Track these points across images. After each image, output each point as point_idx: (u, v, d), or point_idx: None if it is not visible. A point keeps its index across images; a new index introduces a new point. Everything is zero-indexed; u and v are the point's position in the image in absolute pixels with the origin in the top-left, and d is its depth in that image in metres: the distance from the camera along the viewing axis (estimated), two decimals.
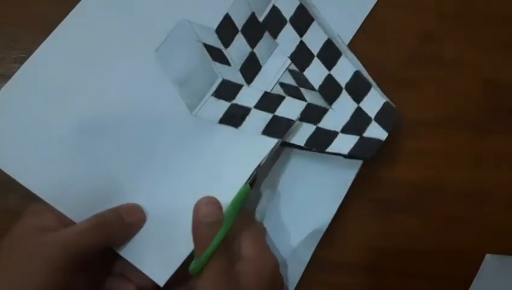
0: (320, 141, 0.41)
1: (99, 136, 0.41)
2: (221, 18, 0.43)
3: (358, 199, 0.44)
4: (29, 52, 0.43)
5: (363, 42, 0.44)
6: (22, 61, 0.43)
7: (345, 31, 0.44)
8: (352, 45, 0.44)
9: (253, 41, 0.43)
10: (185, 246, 0.38)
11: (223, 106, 0.42)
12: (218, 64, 0.42)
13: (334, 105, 0.42)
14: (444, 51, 0.44)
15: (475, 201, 0.44)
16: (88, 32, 0.42)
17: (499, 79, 0.45)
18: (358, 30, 0.44)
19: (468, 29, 0.45)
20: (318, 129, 0.41)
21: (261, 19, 0.42)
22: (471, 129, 0.44)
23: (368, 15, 0.44)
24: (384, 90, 0.44)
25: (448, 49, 0.45)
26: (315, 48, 0.42)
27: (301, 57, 0.42)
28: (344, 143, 0.41)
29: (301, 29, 0.42)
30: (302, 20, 0.42)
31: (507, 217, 0.44)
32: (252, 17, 0.43)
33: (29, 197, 0.43)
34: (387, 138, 0.40)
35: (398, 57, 0.44)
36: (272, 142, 0.41)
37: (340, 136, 0.41)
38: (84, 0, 0.43)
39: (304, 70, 0.42)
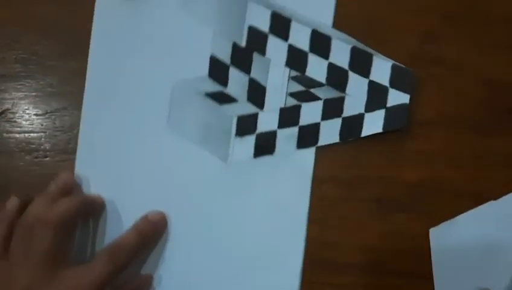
0: (352, 130, 0.42)
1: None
2: (208, 61, 0.43)
3: (358, 199, 0.44)
4: (30, 52, 0.43)
5: (363, 42, 0.44)
6: (22, 61, 0.43)
7: (324, 17, 0.43)
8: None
9: (246, 68, 0.42)
10: None
11: (250, 140, 0.42)
12: (226, 106, 0.42)
13: (348, 90, 0.42)
14: (444, 51, 0.44)
15: (475, 201, 0.44)
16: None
17: (499, 79, 0.45)
18: (358, 30, 0.44)
19: (468, 29, 0.44)
20: (344, 120, 0.42)
21: (243, 43, 0.42)
22: (471, 129, 0.44)
23: (368, 15, 0.44)
24: None
25: (448, 49, 0.44)
26: (305, 45, 0.42)
27: (296, 59, 0.42)
28: (374, 121, 0.42)
29: (284, 34, 0.42)
30: (281, 25, 0.42)
31: None
32: (235, 47, 0.42)
33: (29, 197, 0.43)
34: (412, 100, 0.41)
35: (398, 57, 0.44)
36: (310, 151, 0.42)
37: (367, 116, 0.42)
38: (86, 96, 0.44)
39: (304, 71, 0.42)
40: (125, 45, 0.43)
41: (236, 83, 0.42)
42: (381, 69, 0.41)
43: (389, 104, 0.41)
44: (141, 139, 0.43)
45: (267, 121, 0.42)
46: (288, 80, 0.42)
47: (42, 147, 0.44)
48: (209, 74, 0.43)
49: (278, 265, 0.43)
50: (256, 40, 0.42)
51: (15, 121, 0.43)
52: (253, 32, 0.41)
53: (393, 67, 0.41)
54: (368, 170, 0.44)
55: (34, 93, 0.43)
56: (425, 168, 0.44)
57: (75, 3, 0.43)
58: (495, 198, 0.44)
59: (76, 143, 0.44)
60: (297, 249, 0.43)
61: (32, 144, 0.44)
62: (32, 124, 0.44)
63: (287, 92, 0.42)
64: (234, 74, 0.42)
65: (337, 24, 0.44)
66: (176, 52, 0.43)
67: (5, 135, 0.43)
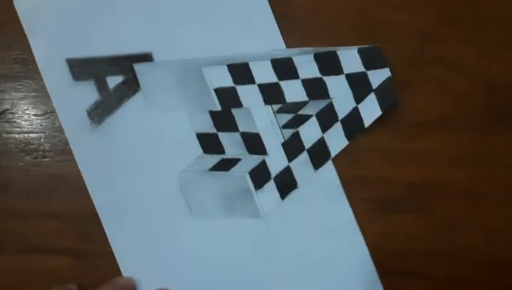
0: (355, 126, 0.42)
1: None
2: (195, 138, 0.43)
3: (359, 199, 0.44)
4: (30, 53, 0.43)
5: (362, 42, 0.44)
6: (22, 61, 0.43)
7: (275, 43, 0.43)
8: (351, 45, 0.44)
9: (233, 127, 0.42)
10: None
11: (271, 187, 0.42)
12: (234, 169, 0.42)
13: (331, 94, 0.42)
14: (444, 51, 0.44)
15: (475, 201, 0.44)
16: None
17: (499, 79, 0.45)
18: (358, 31, 0.44)
19: (468, 29, 0.44)
20: (343, 121, 0.42)
21: (218, 107, 0.41)
22: (471, 129, 0.44)
23: (368, 15, 0.44)
24: None
25: (448, 49, 0.44)
26: (272, 77, 0.41)
27: (271, 94, 0.41)
28: (370, 108, 0.42)
29: (248, 79, 0.41)
30: (241, 73, 0.41)
31: (507, 217, 0.44)
32: (213, 114, 0.42)
33: (29, 197, 0.43)
34: (391, 70, 0.42)
35: (398, 57, 0.44)
36: (329, 167, 0.43)
37: (361, 107, 0.42)
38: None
39: (284, 99, 0.42)
40: (114, 165, 0.43)
41: (232, 144, 0.42)
42: (350, 59, 0.41)
43: (374, 86, 0.42)
44: (169, 233, 0.43)
45: (276, 161, 0.42)
46: (275, 115, 0.42)
47: (42, 147, 0.44)
48: (204, 150, 0.43)
49: None
50: (228, 98, 0.41)
51: (14, 122, 0.43)
52: (221, 93, 0.41)
53: (360, 51, 0.41)
54: (368, 170, 0.44)
55: (33, 94, 0.43)
56: (425, 168, 0.44)
57: None
58: (495, 198, 0.44)
59: None
60: None
61: (32, 144, 0.44)
62: (32, 125, 0.43)
63: (279, 127, 0.42)
64: (225, 137, 0.42)
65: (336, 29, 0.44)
66: (166, 147, 0.43)
67: (4, 135, 0.43)
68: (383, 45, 0.44)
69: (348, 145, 0.43)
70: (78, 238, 0.43)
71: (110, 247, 0.43)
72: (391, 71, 0.42)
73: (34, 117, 0.44)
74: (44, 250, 0.43)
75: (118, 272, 0.43)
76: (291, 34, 0.43)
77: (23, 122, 0.44)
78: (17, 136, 0.43)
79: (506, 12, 0.45)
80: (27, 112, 0.43)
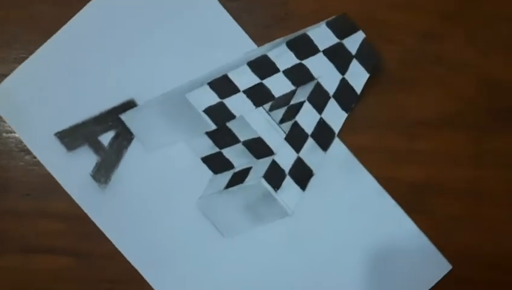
0: (348, 97, 0.42)
1: None
2: (201, 163, 0.43)
3: None
4: (30, 52, 0.43)
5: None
6: (22, 61, 0.43)
7: (246, 46, 0.43)
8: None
9: (233, 139, 0.42)
10: None
11: (289, 183, 0.41)
12: (248, 178, 0.41)
13: (315, 74, 0.42)
14: (444, 51, 0.44)
15: (475, 201, 0.44)
16: None
17: (499, 79, 0.45)
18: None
19: (468, 29, 0.45)
20: (335, 96, 0.42)
21: (213, 126, 0.41)
22: (471, 129, 0.44)
23: (368, 15, 0.44)
24: (384, 90, 0.44)
25: (448, 49, 0.45)
26: (253, 79, 0.41)
27: (258, 95, 0.41)
28: (356, 74, 0.42)
29: (232, 90, 0.41)
30: (223, 86, 0.41)
31: (507, 217, 0.44)
32: (210, 134, 0.42)
33: (29, 197, 0.43)
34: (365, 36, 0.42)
35: (398, 57, 0.44)
36: (337, 144, 0.43)
37: (348, 75, 0.42)
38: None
39: (272, 96, 0.42)
40: (134, 215, 0.43)
41: (238, 156, 0.42)
42: (322, 35, 0.41)
43: (353, 52, 0.42)
44: (208, 262, 0.43)
45: (285, 157, 0.41)
46: (269, 114, 0.42)
47: None
48: (213, 171, 0.43)
49: None
50: (219, 114, 0.41)
51: None
52: (210, 112, 0.41)
53: (328, 24, 0.42)
54: (368, 170, 0.44)
55: None
56: (425, 168, 0.44)
57: (75, 3, 0.43)
58: (495, 198, 0.44)
59: None
60: None
61: None
62: None
63: (277, 123, 0.42)
64: (229, 152, 0.42)
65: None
66: (177, 181, 0.43)
67: (4, 135, 0.43)
68: (383, 45, 0.44)
69: (348, 146, 0.43)
70: (78, 238, 0.43)
71: (110, 247, 0.43)
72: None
73: None
74: (44, 250, 0.43)
75: (118, 272, 0.43)
76: (292, 34, 0.43)
77: None
78: (17, 135, 0.43)
79: (507, 12, 0.45)
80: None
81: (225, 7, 0.44)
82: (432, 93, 0.44)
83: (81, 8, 0.43)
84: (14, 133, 0.43)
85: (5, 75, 0.43)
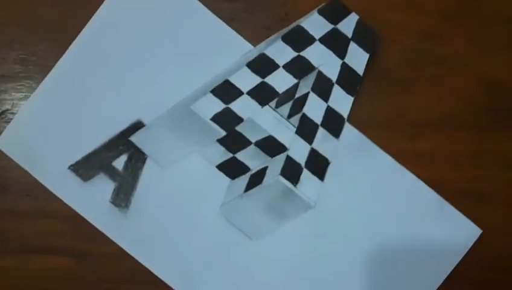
0: (352, 80, 0.42)
1: None
2: (217, 171, 0.43)
3: None
4: (30, 53, 0.43)
5: None
6: (22, 62, 0.43)
7: (243, 47, 0.43)
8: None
9: (245, 142, 0.42)
10: None
11: (307, 175, 0.41)
12: (265, 179, 0.41)
13: (315, 63, 0.42)
14: (444, 51, 0.44)
15: (475, 201, 0.44)
16: None
17: (499, 79, 0.45)
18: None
19: (468, 29, 0.45)
20: (339, 82, 0.42)
21: (222, 134, 0.41)
22: (471, 129, 0.44)
23: (368, 15, 0.44)
24: (384, 90, 0.44)
25: (448, 49, 0.45)
26: (255, 79, 0.41)
27: (262, 94, 0.42)
28: (357, 56, 0.42)
29: (236, 93, 0.41)
30: (227, 91, 0.41)
31: (507, 217, 0.44)
32: (222, 141, 0.42)
33: (29, 197, 0.43)
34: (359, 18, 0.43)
35: (398, 57, 0.44)
36: (348, 129, 0.43)
37: (348, 58, 0.42)
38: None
39: (277, 92, 0.42)
40: (159, 234, 0.43)
41: (252, 158, 0.42)
42: (315, 23, 0.42)
43: (350, 35, 0.42)
44: (244, 269, 0.43)
45: (299, 150, 0.41)
46: (276, 111, 0.42)
47: None
48: (231, 177, 0.43)
49: None
50: (227, 120, 0.41)
51: None
52: (218, 119, 0.41)
53: (320, 11, 0.42)
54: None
55: None
56: (425, 168, 0.44)
57: (75, 3, 0.43)
58: (495, 198, 0.44)
59: None
60: None
61: None
62: None
63: (285, 119, 0.42)
64: (243, 156, 0.42)
65: None
66: (196, 193, 0.43)
67: None
68: (383, 45, 0.44)
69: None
70: (78, 238, 0.43)
71: (110, 247, 0.43)
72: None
73: None
74: (44, 250, 0.43)
75: (118, 272, 0.43)
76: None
77: None
78: None
79: (507, 12, 0.45)
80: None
81: (225, 8, 0.44)
82: (432, 93, 0.44)
83: (81, 8, 0.43)
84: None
85: (5, 76, 0.43)
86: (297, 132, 0.41)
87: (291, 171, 0.41)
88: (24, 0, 0.44)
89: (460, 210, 0.44)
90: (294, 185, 0.41)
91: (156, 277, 0.43)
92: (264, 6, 0.44)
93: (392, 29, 0.44)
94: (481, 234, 0.44)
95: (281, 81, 0.42)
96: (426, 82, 0.44)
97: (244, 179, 0.42)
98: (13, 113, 0.43)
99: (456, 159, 0.44)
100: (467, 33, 0.44)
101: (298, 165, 0.41)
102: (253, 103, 0.41)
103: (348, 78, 0.42)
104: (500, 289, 0.44)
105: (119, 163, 0.43)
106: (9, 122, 0.43)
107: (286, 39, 0.42)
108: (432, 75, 0.44)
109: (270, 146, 0.42)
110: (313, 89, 0.42)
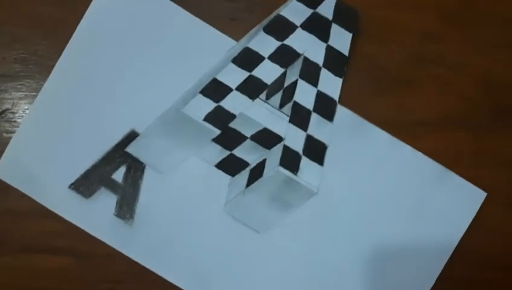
0: (338, 61, 0.42)
1: None
2: (216, 170, 0.43)
3: None
4: (30, 52, 0.43)
5: (363, 42, 0.44)
6: (23, 61, 0.43)
7: (226, 43, 0.43)
8: (351, 46, 0.44)
9: (240, 138, 0.42)
10: None
11: (307, 162, 0.41)
12: (266, 171, 0.41)
13: (300, 50, 0.42)
14: (444, 51, 0.45)
15: None
16: None
17: (499, 79, 0.45)
18: (358, 31, 0.44)
19: (468, 29, 0.45)
20: (325, 65, 0.42)
21: (217, 132, 0.41)
22: (471, 129, 0.44)
23: (368, 15, 0.44)
24: (384, 90, 0.44)
25: (448, 49, 0.45)
26: (242, 74, 0.41)
27: (251, 88, 0.42)
28: (340, 37, 0.42)
29: (225, 90, 0.41)
30: (215, 90, 0.41)
31: (507, 217, 0.44)
32: (217, 140, 0.42)
33: (29, 197, 0.43)
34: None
35: (398, 57, 0.44)
36: (341, 111, 0.43)
37: (331, 41, 0.42)
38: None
39: (266, 84, 0.42)
40: (167, 240, 0.43)
41: (250, 153, 0.42)
42: (294, 10, 0.42)
43: (330, 17, 0.42)
44: (255, 263, 0.43)
45: (295, 138, 0.41)
46: (267, 102, 0.42)
47: None
48: (231, 174, 0.43)
49: None
50: (220, 118, 0.41)
51: (15, 121, 0.43)
52: (210, 118, 0.41)
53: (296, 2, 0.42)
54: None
55: (34, 93, 0.43)
56: None
57: (75, 3, 0.43)
58: (495, 198, 0.44)
59: None
60: None
61: None
62: None
63: (278, 109, 0.42)
64: (240, 151, 0.42)
65: None
66: (199, 194, 0.43)
67: (5, 135, 0.43)
68: (383, 45, 0.44)
69: None
70: (78, 238, 0.43)
71: (110, 247, 0.43)
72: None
73: None
74: (44, 250, 0.43)
75: (118, 272, 0.43)
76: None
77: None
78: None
79: (507, 12, 0.45)
80: (27, 111, 0.43)
81: (225, 8, 0.44)
82: (432, 93, 0.44)
83: (81, 8, 0.43)
84: (15, 133, 0.43)
85: (5, 75, 0.43)
86: (290, 121, 0.41)
87: (290, 161, 0.41)
88: (24, 0, 0.44)
89: None
90: (295, 174, 0.41)
91: (156, 276, 0.43)
92: (264, 6, 0.44)
93: (392, 29, 0.44)
94: (481, 234, 0.44)
95: (268, 72, 0.42)
96: (426, 82, 0.44)
97: (244, 175, 0.42)
98: (13, 113, 0.43)
99: (456, 159, 0.44)
100: (467, 33, 0.45)
101: (296, 153, 0.41)
102: (243, 98, 0.41)
103: (334, 61, 0.42)
104: (500, 288, 0.44)
105: (119, 175, 0.43)
106: (9, 121, 0.43)
107: (268, 30, 0.42)
108: (432, 75, 0.44)
109: (266, 138, 0.42)
110: (301, 76, 0.42)
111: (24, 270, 0.43)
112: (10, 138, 0.43)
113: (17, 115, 0.43)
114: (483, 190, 0.44)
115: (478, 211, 0.44)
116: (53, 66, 0.43)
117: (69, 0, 0.43)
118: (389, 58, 0.44)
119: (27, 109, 0.43)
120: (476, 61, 0.44)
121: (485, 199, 0.44)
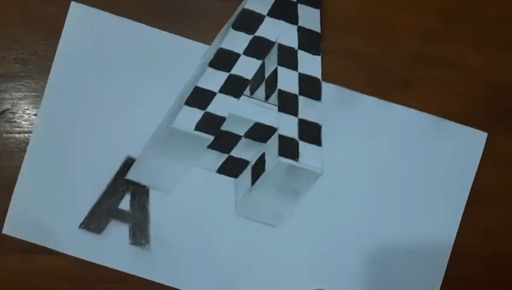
0: (312, 40, 0.42)
1: None
2: (219, 175, 0.43)
3: None
4: (30, 52, 0.43)
5: (363, 42, 0.44)
6: (22, 61, 0.43)
7: (195, 53, 0.43)
8: (351, 45, 0.44)
9: (234, 139, 0.42)
10: None
11: (305, 146, 0.42)
12: (267, 164, 0.42)
13: (273, 38, 0.42)
14: (444, 51, 0.44)
15: (475, 201, 0.44)
16: None
17: (499, 79, 0.45)
18: (357, 30, 0.44)
19: (468, 29, 0.45)
20: (301, 46, 0.42)
21: (211, 139, 0.42)
22: None
23: (368, 15, 0.44)
24: (384, 90, 0.44)
25: (448, 49, 0.45)
26: (223, 76, 0.42)
27: (234, 87, 0.42)
28: (308, 16, 0.42)
29: (209, 95, 0.41)
30: (199, 97, 0.41)
31: (507, 217, 0.44)
32: (212, 146, 0.42)
33: None
34: None
35: (398, 57, 0.44)
36: (327, 88, 0.43)
37: (301, 22, 0.42)
38: None
39: (247, 80, 0.42)
40: (185, 256, 0.44)
41: (247, 151, 0.43)
42: (258, 0, 0.42)
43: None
44: (271, 255, 0.44)
45: (288, 126, 0.42)
46: (252, 97, 0.42)
47: None
48: (234, 176, 0.43)
49: None
50: (210, 124, 0.41)
51: (15, 121, 0.43)
52: (201, 126, 0.41)
53: None
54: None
55: (33, 94, 0.43)
56: None
57: None
58: (495, 198, 0.44)
59: None
60: None
61: None
62: (32, 124, 0.43)
63: (264, 101, 0.42)
64: (238, 151, 0.43)
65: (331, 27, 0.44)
66: (207, 203, 0.43)
67: (4, 135, 0.43)
68: (383, 45, 0.44)
69: None
70: None
71: None
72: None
73: (34, 117, 0.44)
74: (44, 250, 0.43)
75: (118, 272, 0.43)
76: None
77: (23, 122, 0.44)
78: (17, 136, 0.43)
79: (507, 12, 0.45)
80: (27, 111, 0.43)
81: (223, 8, 0.43)
82: (432, 93, 0.44)
83: None
84: (15, 133, 0.43)
85: (5, 75, 0.43)
86: (280, 109, 0.42)
87: (288, 148, 0.41)
88: (24, 0, 0.44)
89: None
90: (296, 160, 0.41)
91: None
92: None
93: (392, 29, 0.44)
94: (481, 235, 0.44)
95: (246, 68, 0.42)
96: (426, 82, 0.44)
97: (247, 174, 0.43)
98: (13, 113, 0.43)
99: None
100: (467, 33, 0.44)
101: (292, 140, 0.41)
102: (229, 99, 0.42)
103: (308, 40, 0.42)
104: (500, 288, 0.44)
105: (125, 204, 0.43)
106: (9, 121, 0.43)
107: (236, 26, 0.42)
108: (432, 75, 0.44)
109: (260, 132, 0.42)
110: (280, 63, 0.42)
111: (24, 270, 0.43)
112: (10, 137, 0.43)
113: (17, 115, 0.43)
114: (483, 189, 0.44)
115: (478, 211, 0.44)
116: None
117: (69, 0, 0.43)
118: (389, 58, 0.44)
119: (27, 109, 0.44)
120: (476, 62, 0.44)
121: (485, 199, 0.44)
